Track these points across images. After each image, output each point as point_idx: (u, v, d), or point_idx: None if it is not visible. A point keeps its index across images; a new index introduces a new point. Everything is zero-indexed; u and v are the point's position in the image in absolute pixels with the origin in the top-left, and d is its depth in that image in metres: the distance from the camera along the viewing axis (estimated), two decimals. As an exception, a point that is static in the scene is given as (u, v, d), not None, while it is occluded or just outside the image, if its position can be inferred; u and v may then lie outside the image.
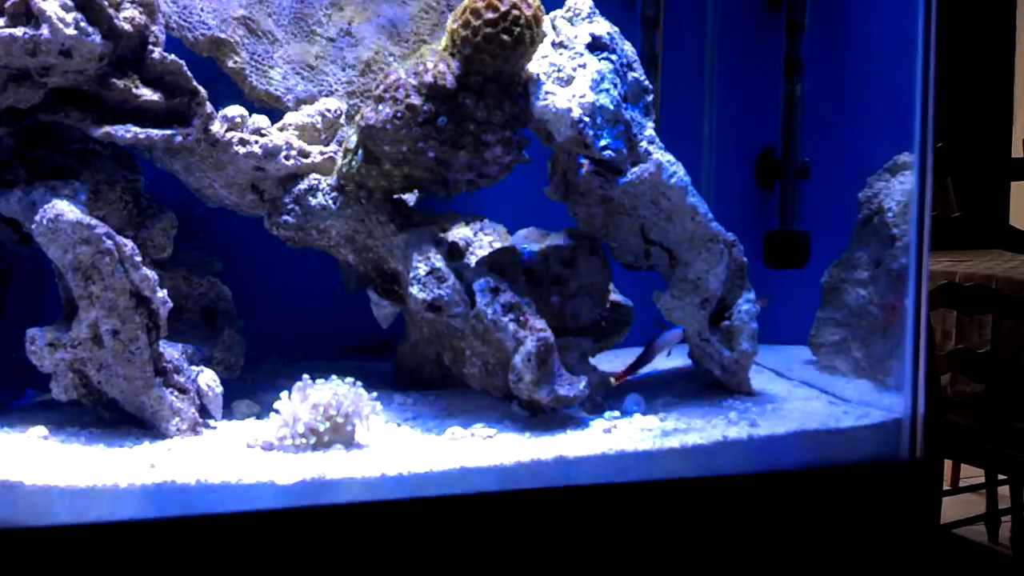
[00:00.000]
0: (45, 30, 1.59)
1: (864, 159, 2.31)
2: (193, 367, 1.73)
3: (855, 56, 2.48)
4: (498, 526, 1.52)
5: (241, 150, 1.80)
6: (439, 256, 1.77)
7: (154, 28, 1.75)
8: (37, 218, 1.56)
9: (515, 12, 1.73)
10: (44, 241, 1.56)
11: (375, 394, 1.65)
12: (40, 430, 1.60)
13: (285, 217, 1.85)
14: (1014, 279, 2.45)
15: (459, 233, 1.89)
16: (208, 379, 1.73)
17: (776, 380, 2.11)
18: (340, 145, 1.89)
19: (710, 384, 1.98)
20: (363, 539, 1.46)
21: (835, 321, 2.21)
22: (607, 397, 1.87)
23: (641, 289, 2.04)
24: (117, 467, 1.44)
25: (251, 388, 1.88)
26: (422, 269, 1.75)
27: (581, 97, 1.79)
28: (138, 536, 1.37)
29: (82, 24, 1.63)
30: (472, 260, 1.85)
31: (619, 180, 1.85)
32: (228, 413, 1.78)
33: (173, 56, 1.75)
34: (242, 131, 1.82)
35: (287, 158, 1.83)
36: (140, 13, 1.73)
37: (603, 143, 1.81)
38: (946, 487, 2.93)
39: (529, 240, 1.98)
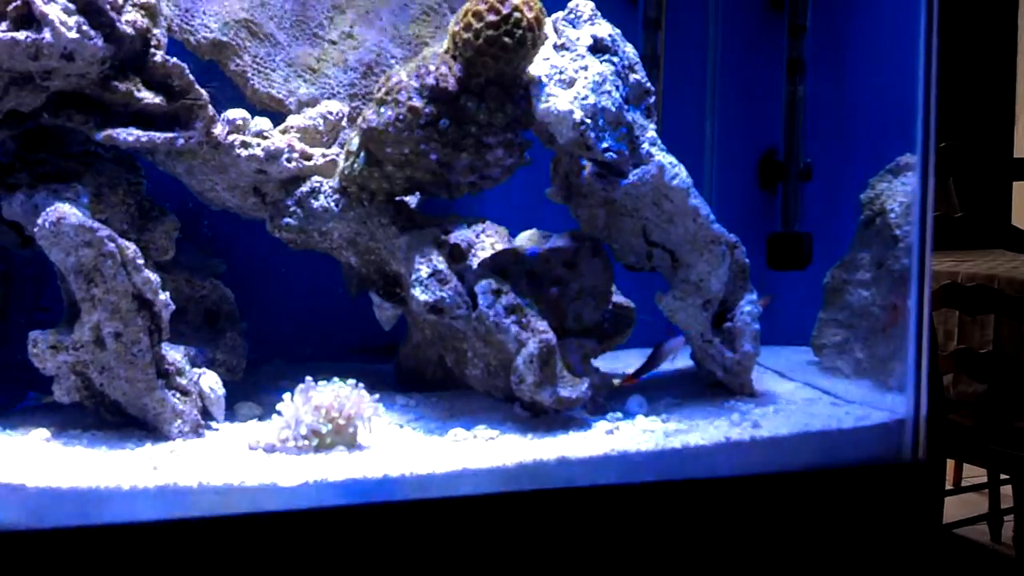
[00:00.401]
0: (47, 34, 1.59)
1: (866, 160, 2.31)
2: (195, 369, 1.73)
3: (857, 57, 2.48)
4: (500, 528, 1.53)
5: (243, 153, 1.81)
6: (441, 258, 1.77)
7: (156, 31, 1.75)
8: (39, 221, 1.56)
9: (517, 15, 1.73)
10: (46, 244, 1.56)
11: (377, 396, 1.65)
12: (43, 432, 1.60)
13: (287, 219, 1.85)
14: (1016, 279, 2.45)
15: (461, 235, 1.89)
16: (210, 381, 1.73)
17: (778, 381, 2.11)
18: (342, 147, 1.90)
19: (712, 385, 1.98)
20: (366, 541, 1.46)
21: (837, 322, 2.21)
22: (610, 398, 1.88)
23: (643, 290, 2.04)
24: (120, 469, 1.44)
25: (253, 390, 1.88)
26: (424, 271, 1.75)
27: (583, 99, 1.79)
28: (142, 538, 1.37)
29: (84, 28, 1.63)
30: (474, 262, 1.85)
31: (621, 182, 1.85)
32: (230, 415, 1.78)
33: (175, 59, 1.75)
34: (244, 134, 1.83)
35: (289, 161, 1.83)
36: (142, 16, 1.73)
37: (605, 145, 1.81)
38: (948, 487, 2.92)
39: (531, 242, 1.98)
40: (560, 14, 1.91)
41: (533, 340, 1.71)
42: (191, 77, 1.77)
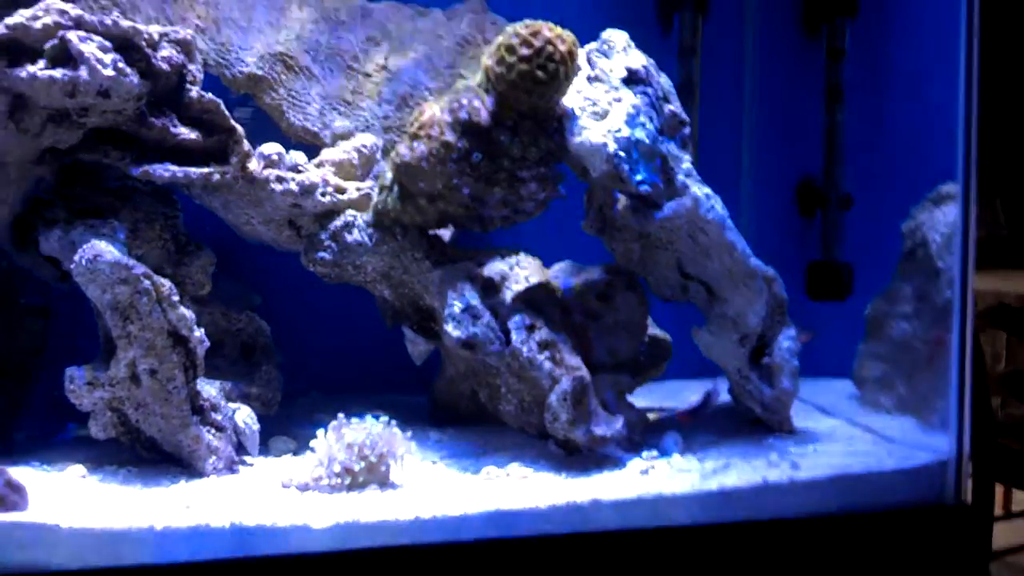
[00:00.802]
0: (84, 72, 1.61)
1: (908, 188, 2.28)
2: (230, 404, 1.74)
3: (897, 82, 2.45)
4: (533, 570, 1.50)
5: (278, 187, 1.81)
6: (474, 292, 1.76)
7: (191, 67, 1.77)
8: (76, 258, 1.57)
9: (550, 48, 1.72)
10: (83, 281, 1.58)
11: (409, 433, 1.64)
12: (79, 469, 1.61)
13: (322, 254, 1.85)
14: (1064, 299, 2.39)
15: (495, 268, 1.88)
16: (245, 416, 1.74)
17: (819, 417, 2.07)
18: (376, 181, 1.89)
19: (751, 422, 1.94)
20: (397, 584, 1.45)
21: (879, 355, 2.17)
22: (645, 433, 1.85)
23: (681, 321, 2.02)
24: (154, 508, 1.44)
25: (289, 423, 1.89)
26: (457, 306, 1.74)
27: (616, 132, 1.77)
28: (173, 580, 1.37)
29: (120, 65, 1.65)
30: (508, 295, 1.84)
31: (656, 215, 1.83)
32: (265, 450, 1.79)
33: (211, 95, 1.77)
34: (279, 168, 1.83)
35: (323, 195, 1.84)
36: (177, 52, 1.74)
37: (639, 177, 1.79)
38: (998, 512, 2.85)
39: (565, 274, 1.96)
40: (593, 45, 1.90)
41: (567, 377, 1.69)
42: (227, 112, 1.78)
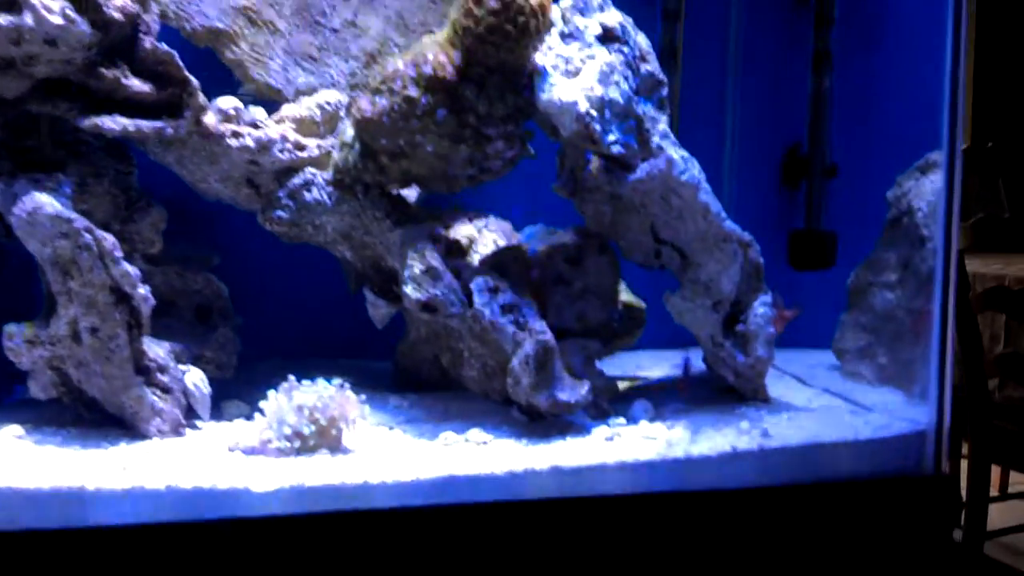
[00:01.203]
0: (29, 18, 1.54)
1: (895, 157, 2.21)
2: (180, 366, 1.67)
3: (886, 50, 2.38)
4: (486, 538, 1.44)
5: (234, 143, 1.74)
6: (435, 253, 1.69)
7: (146, 17, 1.69)
8: (16, 210, 1.51)
9: (520, 1, 1.65)
10: (23, 234, 1.51)
11: (364, 396, 1.58)
12: (16, 429, 1.55)
13: (279, 212, 1.78)
14: (1065, 282, 2.33)
15: (461, 231, 1.82)
16: (195, 378, 1.67)
17: (796, 387, 2.00)
18: (338, 138, 1.83)
19: (724, 391, 1.88)
20: (339, 550, 1.38)
21: (860, 325, 2.10)
22: (614, 402, 1.79)
23: (658, 290, 1.95)
24: (88, 470, 1.38)
25: (247, 388, 1.81)
26: (417, 267, 1.68)
27: (588, 90, 1.70)
28: (102, 542, 1.31)
29: (68, 12, 1.57)
30: (475, 258, 1.77)
31: (628, 177, 1.76)
32: (218, 414, 1.72)
33: (165, 46, 1.69)
34: (237, 123, 1.76)
35: (282, 151, 1.77)
36: (132, 1, 1.66)
37: (611, 138, 1.72)
38: (994, 493, 2.80)
39: (535, 238, 1.90)
40: (568, 2, 1.82)
41: (530, 340, 1.63)
42: (181, 64, 1.70)
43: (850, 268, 2.19)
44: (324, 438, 1.53)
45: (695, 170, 1.78)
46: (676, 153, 1.77)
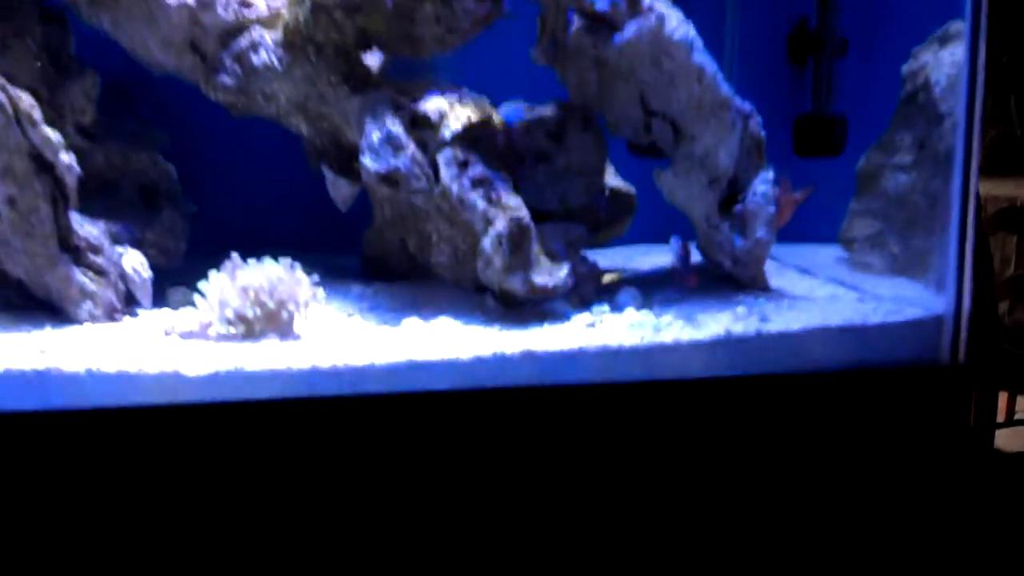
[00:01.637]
0: None
1: (909, 32, 2.02)
2: (118, 248, 1.51)
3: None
4: (449, 430, 1.29)
5: (172, 0, 1.55)
6: (396, 121, 1.52)
7: None
8: (-82, 67, 1.33)
9: None
10: (-72, 93, 1.34)
11: (316, 278, 1.42)
12: (-66, 312, 1.40)
13: (224, 78, 1.60)
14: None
15: (431, 103, 1.63)
16: (134, 261, 1.51)
17: (799, 278, 1.84)
18: (290, -3, 1.64)
19: (720, 278, 1.72)
20: (283, 440, 1.24)
21: (871, 212, 1.93)
22: (600, 291, 1.63)
23: (651, 179, 1.78)
24: (1, 352, 1.23)
25: (196, 279, 1.66)
26: (375, 135, 1.50)
27: (570, -63, 1.51)
28: (16, 427, 1.16)
29: None
30: (446, 133, 1.59)
31: (615, 37, 1.58)
32: (163, 302, 1.57)
33: None
34: (175, -22, 1.57)
35: (226, 9, 1.58)
36: None
37: (596, -7, 1.54)
38: (1000, 419, 2.68)
39: (514, 111, 1.72)
40: None
41: (502, 218, 1.46)
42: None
43: (860, 155, 2.02)
44: (272, 323, 1.38)
45: (690, 30, 1.59)
46: (668, 11, 1.59)
